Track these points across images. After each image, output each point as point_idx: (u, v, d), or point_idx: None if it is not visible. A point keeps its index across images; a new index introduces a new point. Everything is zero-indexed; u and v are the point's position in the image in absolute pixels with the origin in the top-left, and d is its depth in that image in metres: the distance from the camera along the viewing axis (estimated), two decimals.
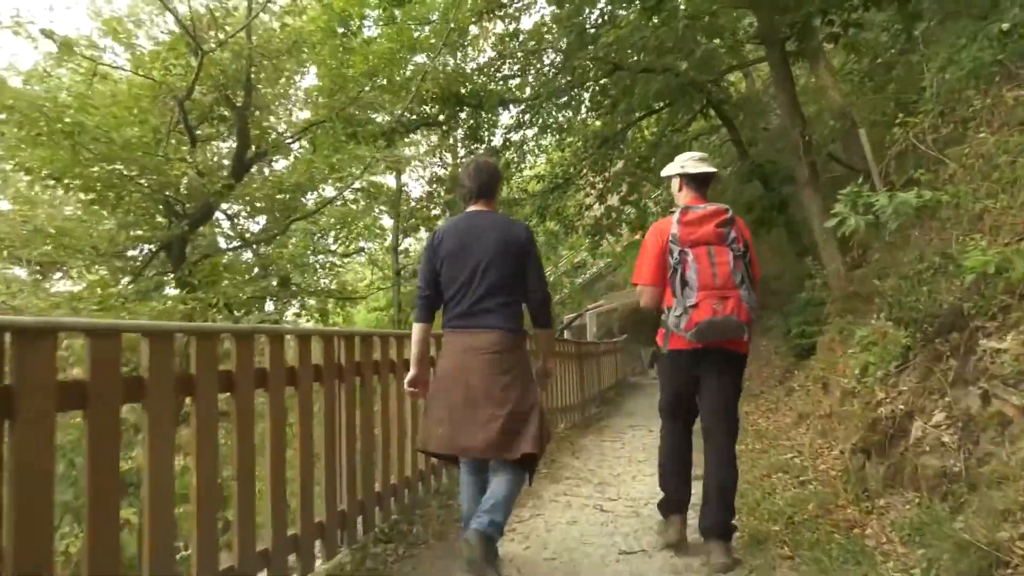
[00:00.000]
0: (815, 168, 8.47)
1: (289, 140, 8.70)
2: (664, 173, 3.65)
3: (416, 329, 3.25)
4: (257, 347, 2.86)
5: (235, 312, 8.41)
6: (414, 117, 9.17)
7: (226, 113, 8.10)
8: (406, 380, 3.32)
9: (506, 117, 12.50)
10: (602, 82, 14.72)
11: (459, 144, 11.22)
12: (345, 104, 7.70)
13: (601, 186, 14.20)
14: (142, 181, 6.66)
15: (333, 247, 17.49)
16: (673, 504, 3.46)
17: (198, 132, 8.02)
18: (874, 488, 3.77)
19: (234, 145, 7.95)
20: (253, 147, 7.27)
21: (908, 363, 4.10)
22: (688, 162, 3.48)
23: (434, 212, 11.77)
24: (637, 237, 17.50)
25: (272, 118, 9.06)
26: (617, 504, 4.51)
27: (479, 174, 3.26)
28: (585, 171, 13.44)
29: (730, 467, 3.25)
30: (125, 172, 6.53)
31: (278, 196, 8.57)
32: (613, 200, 15.68)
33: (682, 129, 16.20)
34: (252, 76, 7.63)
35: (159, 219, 7.90)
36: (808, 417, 5.96)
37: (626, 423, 8.78)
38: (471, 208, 3.26)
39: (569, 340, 12.64)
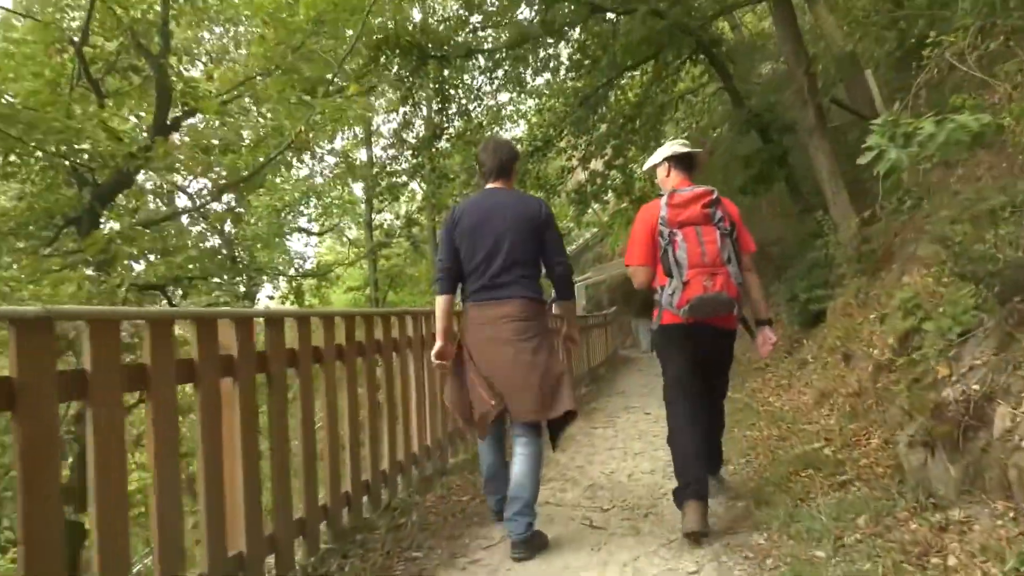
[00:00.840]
0: (822, 111, 7.55)
1: (224, 96, 7.64)
2: (648, 164, 3.74)
3: (440, 301, 3.32)
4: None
5: (171, 292, 7.47)
6: (369, 70, 8.15)
7: (139, 64, 7.02)
8: (432, 352, 3.37)
9: (481, 82, 11.44)
10: (581, 38, 13.74)
11: (425, 105, 10.12)
12: (284, 53, 6.67)
13: (583, 149, 13.24)
14: (31, 144, 5.61)
15: (305, 224, 16.43)
16: (690, 492, 3.16)
17: (109, 87, 6.92)
18: (944, 495, 2.89)
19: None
20: (181, 105, 6.26)
21: (976, 329, 3.22)
22: (675, 145, 3.61)
23: (402, 180, 10.76)
24: (624, 205, 16.66)
25: (203, 76, 7.98)
26: (611, 516, 3.61)
27: (498, 152, 3.37)
28: (566, 132, 12.45)
29: (718, 414, 3.65)
30: (12, 133, 5.45)
31: (216, 163, 7.55)
32: (598, 165, 14.88)
33: (668, 88, 15.30)
34: (170, 19, 6.57)
35: (71, 190, 6.89)
36: (831, 396, 5.09)
37: (619, 404, 7.90)
38: (489, 185, 3.36)
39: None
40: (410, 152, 10.11)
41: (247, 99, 7.00)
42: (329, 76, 6.52)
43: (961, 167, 5.07)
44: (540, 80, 15.02)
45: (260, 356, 2.84)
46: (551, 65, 15.28)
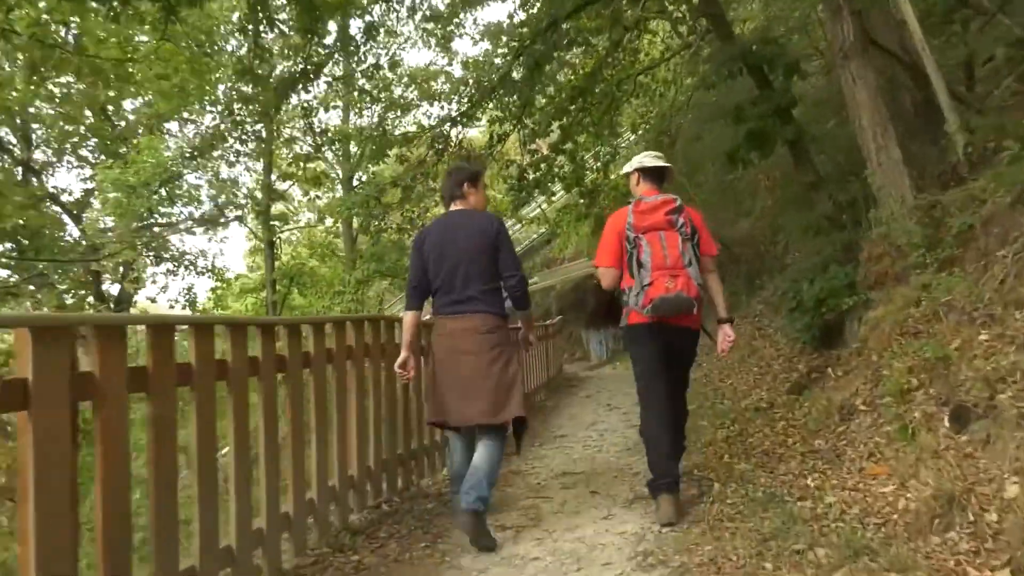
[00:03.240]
0: (863, 25, 5.07)
1: None
2: (623, 171, 4.12)
3: (408, 316, 3.69)
4: None
5: None
6: None
7: None
8: (396, 363, 3.67)
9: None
10: None
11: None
12: None
13: (519, 113, 10.68)
14: None
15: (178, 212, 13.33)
16: (663, 486, 3.45)
17: None
18: None
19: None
20: None
21: None
22: (645, 159, 3.87)
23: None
24: (573, 200, 14.46)
25: None
26: None
27: (449, 178, 3.78)
28: (499, 93, 9.85)
29: (679, 410, 3.72)
30: None
31: None
32: (540, 150, 12.59)
33: (626, 61, 13.07)
34: None
35: None
36: (963, 504, 2.51)
37: (554, 464, 5.18)
38: (452, 207, 3.70)
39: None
40: (266, 95, 7.26)
41: None
42: None
43: None
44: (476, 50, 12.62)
45: None
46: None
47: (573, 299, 21.03)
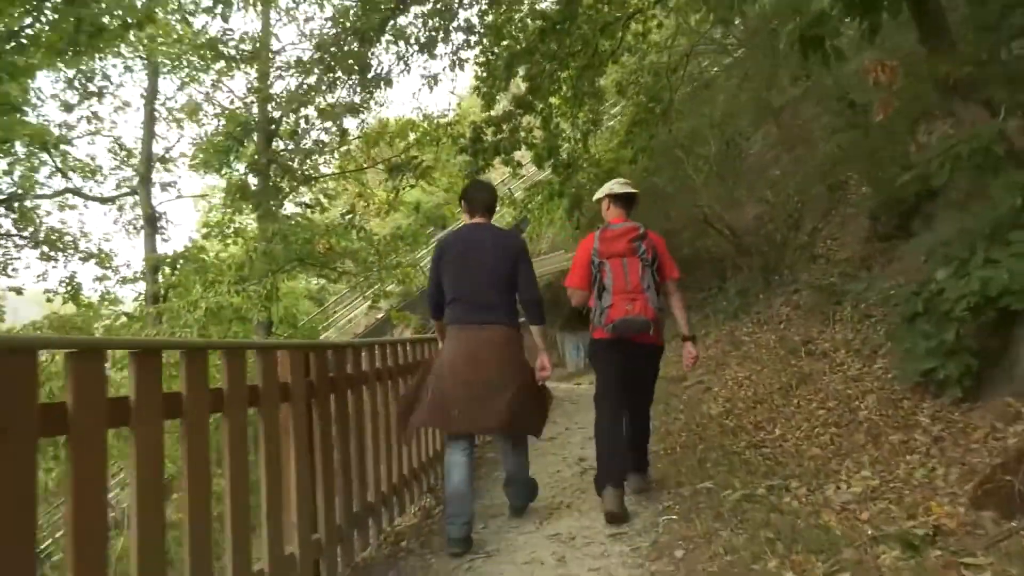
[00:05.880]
0: None
1: None
2: (595, 198, 4.24)
3: (436, 324, 3.86)
4: None
5: None
6: None
7: None
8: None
9: None
10: None
11: None
12: None
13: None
14: None
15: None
16: (611, 477, 3.69)
17: None
18: None
19: None
20: None
21: None
22: (614, 185, 4.10)
23: None
24: (550, 173, 11.70)
25: None
26: None
27: (484, 192, 3.88)
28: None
29: (644, 424, 4.05)
30: None
31: None
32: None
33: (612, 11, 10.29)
34: None
35: None
36: None
37: None
38: (473, 220, 3.79)
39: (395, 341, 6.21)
40: None
41: None
42: None
43: None
44: None
45: None
46: None
47: (548, 298, 18.23)
